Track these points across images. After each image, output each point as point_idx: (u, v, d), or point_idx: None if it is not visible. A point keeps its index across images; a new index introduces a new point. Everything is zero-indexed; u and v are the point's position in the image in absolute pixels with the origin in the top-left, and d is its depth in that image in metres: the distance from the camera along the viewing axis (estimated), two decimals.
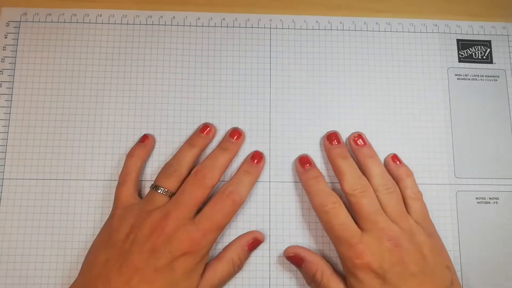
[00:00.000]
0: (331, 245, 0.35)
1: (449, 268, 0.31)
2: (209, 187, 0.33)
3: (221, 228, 0.33)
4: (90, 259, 0.32)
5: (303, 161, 0.35)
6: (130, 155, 0.35)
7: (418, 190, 0.35)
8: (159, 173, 0.34)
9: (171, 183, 0.33)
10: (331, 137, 0.36)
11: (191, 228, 0.31)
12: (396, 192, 0.33)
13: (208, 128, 0.36)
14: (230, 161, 0.35)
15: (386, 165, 0.36)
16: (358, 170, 0.34)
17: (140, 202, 0.33)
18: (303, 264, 0.33)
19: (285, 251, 0.35)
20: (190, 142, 0.35)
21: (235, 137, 0.36)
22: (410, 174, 0.35)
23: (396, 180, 0.35)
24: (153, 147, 0.36)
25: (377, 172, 0.34)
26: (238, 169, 0.35)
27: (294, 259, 0.34)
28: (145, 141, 0.36)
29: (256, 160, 0.35)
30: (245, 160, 0.36)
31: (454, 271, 0.32)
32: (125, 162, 0.35)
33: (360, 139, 0.36)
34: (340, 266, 0.34)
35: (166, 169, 0.34)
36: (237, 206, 0.33)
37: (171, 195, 0.33)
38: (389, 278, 0.29)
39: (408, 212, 0.33)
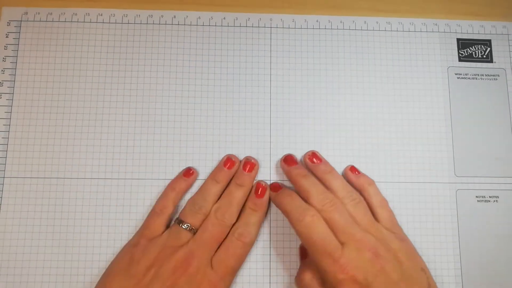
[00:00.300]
0: None
1: (424, 271, 0.32)
2: (228, 226, 0.34)
3: (235, 271, 0.33)
4: (105, 285, 0.32)
5: (274, 187, 0.36)
6: (171, 188, 0.35)
7: (383, 197, 0.35)
8: (185, 209, 0.35)
9: (196, 220, 0.33)
10: (288, 160, 0.36)
11: (209, 271, 0.32)
12: (362, 202, 0.34)
13: (231, 162, 0.36)
14: (246, 196, 0.35)
15: (346, 177, 0.36)
16: (321, 185, 0.34)
17: (165, 236, 0.33)
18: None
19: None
20: (214, 177, 0.35)
21: (248, 169, 0.35)
22: (371, 182, 0.35)
23: (359, 190, 0.35)
24: (195, 181, 0.36)
25: (338, 185, 0.34)
26: (244, 207, 0.35)
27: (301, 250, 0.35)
28: (189, 176, 0.36)
29: (259, 192, 0.35)
30: (249, 197, 0.35)
31: (429, 273, 0.32)
32: (165, 192, 0.35)
33: (315, 158, 0.36)
34: None
35: (192, 206, 0.34)
36: (248, 247, 0.34)
37: (195, 231, 0.33)
38: (375, 287, 0.29)
39: (376, 220, 0.33)
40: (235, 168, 0.36)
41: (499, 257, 0.36)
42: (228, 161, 0.36)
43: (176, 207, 0.35)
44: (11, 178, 0.36)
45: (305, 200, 0.33)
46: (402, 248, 0.32)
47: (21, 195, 0.36)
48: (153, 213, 0.35)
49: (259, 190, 0.35)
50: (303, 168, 0.36)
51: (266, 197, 0.35)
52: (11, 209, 0.35)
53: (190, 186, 0.36)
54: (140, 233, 0.34)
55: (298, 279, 0.33)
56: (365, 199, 0.34)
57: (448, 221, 0.36)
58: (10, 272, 0.34)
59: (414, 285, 0.30)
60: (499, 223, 0.36)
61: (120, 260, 0.33)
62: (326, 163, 0.36)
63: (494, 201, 0.37)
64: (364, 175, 0.36)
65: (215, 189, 0.35)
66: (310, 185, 0.33)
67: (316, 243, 0.30)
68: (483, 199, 0.37)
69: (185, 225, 0.33)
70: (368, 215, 0.33)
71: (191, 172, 0.36)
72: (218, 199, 0.35)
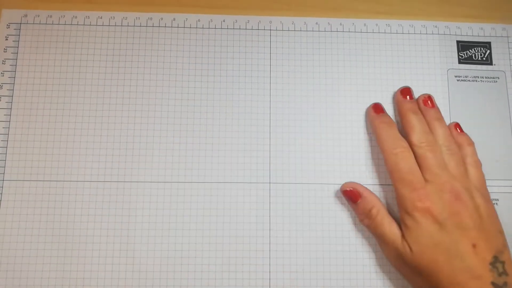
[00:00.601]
0: (337, 245, 0.35)
1: (501, 233, 0.32)
2: None
3: None
4: None
5: (377, 107, 0.37)
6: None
7: (478, 159, 0.35)
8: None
9: None
10: (405, 92, 0.37)
11: None
12: (458, 154, 0.34)
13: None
14: None
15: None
16: (427, 126, 0.35)
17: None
18: (359, 200, 0.35)
19: (343, 186, 0.36)
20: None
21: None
22: (471, 143, 0.36)
23: (458, 146, 0.35)
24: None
25: (442, 133, 0.35)
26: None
27: (352, 193, 0.35)
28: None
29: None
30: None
31: (505, 238, 0.32)
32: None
33: (429, 100, 0.37)
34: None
35: None
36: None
37: None
38: (446, 225, 0.30)
39: (468, 176, 0.34)
40: None
41: None
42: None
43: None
44: (11, 181, 0.36)
45: (407, 133, 0.34)
46: (485, 206, 0.32)
47: (20, 198, 0.36)
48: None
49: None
50: (416, 104, 0.36)
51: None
52: (10, 212, 0.35)
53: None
54: None
55: (361, 215, 0.34)
56: (463, 155, 0.35)
57: None
58: (10, 275, 0.34)
59: (489, 239, 0.30)
60: None
61: None
62: (438, 110, 0.37)
63: (494, 203, 0.37)
64: (465, 134, 0.36)
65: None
66: (417, 122, 0.34)
67: (401, 170, 0.32)
68: None
69: None
70: (461, 167, 0.33)
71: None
72: None
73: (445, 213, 0.31)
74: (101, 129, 0.37)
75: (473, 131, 0.38)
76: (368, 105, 0.38)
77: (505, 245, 0.31)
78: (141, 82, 0.38)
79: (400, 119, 0.36)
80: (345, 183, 0.36)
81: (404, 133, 0.35)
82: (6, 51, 0.38)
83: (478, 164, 0.35)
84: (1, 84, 0.37)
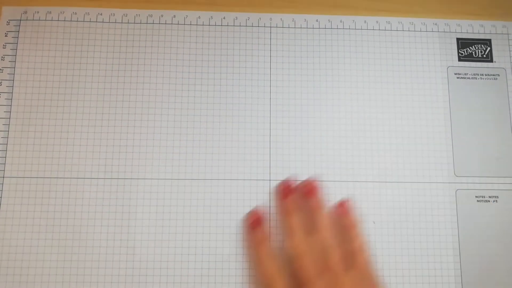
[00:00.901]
0: None
1: None
2: None
3: None
4: None
5: (253, 223, 0.35)
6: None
7: (361, 241, 0.34)
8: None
9: None
10: (283, 191, 0.36)
11: None
12: (337, 249, 0.33)
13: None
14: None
15: (334, 210, 0.36)
16: (305, 227, 0.34)
17: None
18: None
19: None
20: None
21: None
22: (354, 225, 0.35)
23: (342, 228, 0.35)
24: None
25: (322, 226, 0.34)
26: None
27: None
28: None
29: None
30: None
31: None
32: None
33: (312, 190, 0.35)
34: None
35: None
36: None
37: None
38: None
39: (353, 263, 0.33)
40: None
41: (499, 257, 0.36)
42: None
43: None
44: (11, 178, 0.36)
45: (286, 237, 0.34)
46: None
47: (20, 195, 0.36)
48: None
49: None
50: (294, 201, 0.35)
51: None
52: (10, 208, 0.35)
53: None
54: None
55: None
56: (346, 240, 0.34)
57: (447, 221, 0.36)
58: (10, 272, 0.34)
59: None
60: (499, 223, 0.36)
61: None
62: (319, 199, 0.35)
63: (494, 201, 0.37)
64: (350, 215, 0.35)
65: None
66: (294, 225, 0.34)
67: None
68: (483, 199, 0.37)
69: None
70: (341, 264, 0.32)
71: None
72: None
73: None
74: (101, 126, 0.37)
75: (473, 128, 0.38)
76: (368, 102, 0.38)
77: None
78: (141, 79, 0.38)
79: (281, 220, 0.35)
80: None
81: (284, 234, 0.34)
82: (5, 47, 0.38)
83: (362, 248, 0.34)
84: (0, 81, 0.37)
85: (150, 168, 0.36)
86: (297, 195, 0.36)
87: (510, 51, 0.40)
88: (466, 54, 0.39)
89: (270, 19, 0.39)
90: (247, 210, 0.36)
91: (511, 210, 0.37)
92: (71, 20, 0.39)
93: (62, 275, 0.34)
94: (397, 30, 0.40)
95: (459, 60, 0.39)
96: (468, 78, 0.39)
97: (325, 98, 0.38)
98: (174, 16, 0.39)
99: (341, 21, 0.40)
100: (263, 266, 0.33)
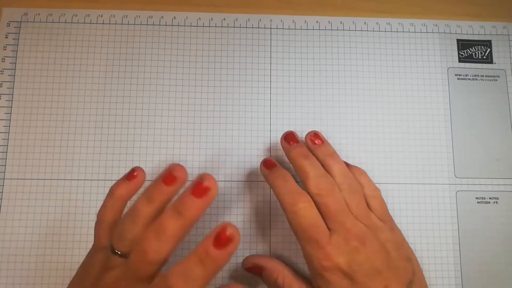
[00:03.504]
0: None
1: (410, 260, 0.32)
2: (155, 264, 0.26)
3: None
4: None
5: (267, 163, 0.34)
6: (110, 193, 0.30)
7: (375, 187, 0.34)
8: (115, 230, 0.29)
9: (123, 247, 0.28)
10: (289, 138, 0.34)
11: None
12: (357, 191, 0.32)
13: (173, 178, 0.28)
14: (185, 229, 0.26)
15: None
16: (321, 168, 0.32)
17: (102, 255, 0.29)
18: (263, 273, 0.33)
19: (243, 262, 0.34)
20: (147, 195, 0.28)
21: (199, 193, 0.26)
22: (362, 172, 0.34)
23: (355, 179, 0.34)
24: (141, 185, 0.31)
25: (338, 170, 0.32)
26: (191, 252, 0.25)
27: (254, 269, 0.33)
28: (132, 180, 0.30)
29: (222, 242, 0.24)
30: (204, 239, 0.25)
31: (416, 261, 0.32)
32: (105, 199, 0.30)
33: (317, 139, 0.34)
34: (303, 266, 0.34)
35: (120, 228, 0.28)
36: None
37: (127, 255, 0.27)
38: (357, 277, 0.29)
39: (369, 208, 0.33)
40: (177, 186, 0.28)
41: (499, 258, 0.36)
42: (169, 175, 0.27)
43: (118, 216, 0.30)
44: (11, 179, 0.36)
45: (303, 181, 0.32)
46: (391, 238, 0.31)
47: (21, 197, 0.36)
48: (96, 222, 0.30)
49: (222, 237, 0.24)
50: (304, 147, 0.34)
51: (229, 250, 0.24)
52: (11, 210, 0.35)
53: (134, 191, 0.31)
54: (94, 244, 0.30)
55: (269, 286, 0.33)
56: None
57: (448, 223, 0.36)
58: (10, 274, 0.34)
59: (398, 275, 0.30)
60: (499, 225, 0.36)
61: (77, 273, 0.30)
62: (328, 145, 0.34)
63: (494, 202, 0.37)
64: (354, 167, 0.35)
65: (147, 210, 0.27)
66: (309, 166, 0.32)
67: (305, 229, 0.30)
68: (483, 200, 0.37)
69: (115, 250, 0.27)
70: (362, 204, 0.32)
71: (135, 174, 0.30)
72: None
73: (354, 264, 0.29)
74: (101, 128, 0.37)
75: (473, 129, 0.38)
76: (368, 104, 0.38)
77: (414, 270, 0.31)
78: (141, 81, 0.38)
79: (293, 167, 0.33)
80: (245, 258, 0.34)
81: (300, 180, 0.32)
82: (5, 49, 0.38)
83: (377, 193, 0.33)
84: (1, 83, 0.37)
85: (150, 170, 0.36)
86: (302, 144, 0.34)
87: (510, 52, 0.40)
88: (466, 55, 0.39)
89: (270, 20, 0.40)
90: (247, 211, 0.36)
91: (511, 211, 0.37)
92: (71, 22, 0.39)
93: (62, 276, 0.35)
94: (397, 31, 0.40)
95: (460, 61, 0.39)
96: (469, 79, 0.39)
97: (325, 99, 0.38)
98: (175, 17, 0.39)
99: (341, 23, 0.40)
100: (292, 195, 0.31)
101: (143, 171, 0.31)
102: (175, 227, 0.25)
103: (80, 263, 0.30)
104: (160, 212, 0.27)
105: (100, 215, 0.30)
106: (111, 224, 0.30)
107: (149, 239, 0.25)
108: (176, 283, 0.24)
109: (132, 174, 0.30)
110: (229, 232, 0.24)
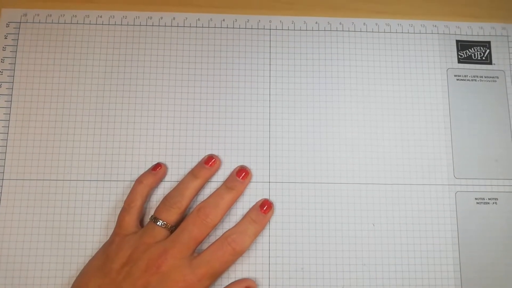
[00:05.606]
0: (336, 244, 0.35)
1: None
2: (211, 227, 0.33)
3: (217, 275, 0.33)
4: (81, 283, 0.31)
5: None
6: (138, 181, 0.35)
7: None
8: (160, 204, 0.34)
9: (170, 216, 0.33)
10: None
11: (187, 270, 0.31)
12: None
13: (213, 160, 0.35)
14: (234, 201, 0.35)
15: None
16: None
17: (139, 233, 0.33)
18: None
19: None
20: (193, 173, 0.35)
21: (242, 176, 0.35)
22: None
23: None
24: (164, 176, 0.36)
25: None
26: (245, 216, 0.35)
27: None
28: (157, 170, 0.35)
29: (265, 208, 0.35)
30: (253, 208, 0.35)
31: None
32: (132, 187, 0.35)
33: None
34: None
35: (167, 200, 0.34)
36: (238, 255, 0.33)
37: (171, 228, 0.33)
38: None
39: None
40: (216, 167, 0.36)
41: (499, 259, 0.36)
42: (210, 159, 0.35)
43: (144, 201, 0.35)
44: (10, 180, 0.36)
45: None
46: None
47: (20, 197, 0.36)
48: (123, 209, 0.34)
49: (265, 206, 0.35)
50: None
51: (269, 215, 0.35)
52: (10, 211, 0.35)
53: (158, 180, 0.35)
54: (115, 231, 0.33)
55: None
56: None
57: (447, 223, 0.36)
58: (9, 275, 0.34)
59: None
60: (499, 225, 0.36)
61: (96, 258, 0.32)
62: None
63: (494, 203, 0.37)
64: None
65: (194, 184, 0.34)
66: None
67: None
68: (483, 201, 0.37)
69: (159, 222, 0.32)
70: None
71: (160, 166, 0.35)
72: (194, 196, 0.34)
73: None
74: (100, 128, 0.37)
75: (473, 130, 0.38)
76: (368, 105, 0.38)
77: None
78: (140, 81, 0.38)
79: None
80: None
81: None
82: (5, 50, 0.38)
83: None
84: (0, 83, 0.37)
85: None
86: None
87: (509, 53, 0.40)
88: (465, 56, 0.39)
89: (270, 21, 0.40)
90: (247, 211, 0.36)
91: (510, 212, 0.37)
92: (71, 23, 0.39)
93: (62, 277, 0.34)
94: (396, 32, 0.40)
95: (459, 62, 0.39)
96: (468, 80, 0.39)
97: (325, 100, 0.38)
98: (174, 18, 0.39)
99: (340, 23, 0.40)
100: None
101: (165, 165, 0.36)
102: (228, 198, 0.34)
103: (80, 264, 0.30)
104: (200, 188, 0.35)
105: (129, 200, 0.34)
106: (139, 208, 0.34)
107: (210, 206, 0.33)
108: (238, 237, 0.32)
109: (156, 167, 0.36)
110: (269, 201, 0.35)
